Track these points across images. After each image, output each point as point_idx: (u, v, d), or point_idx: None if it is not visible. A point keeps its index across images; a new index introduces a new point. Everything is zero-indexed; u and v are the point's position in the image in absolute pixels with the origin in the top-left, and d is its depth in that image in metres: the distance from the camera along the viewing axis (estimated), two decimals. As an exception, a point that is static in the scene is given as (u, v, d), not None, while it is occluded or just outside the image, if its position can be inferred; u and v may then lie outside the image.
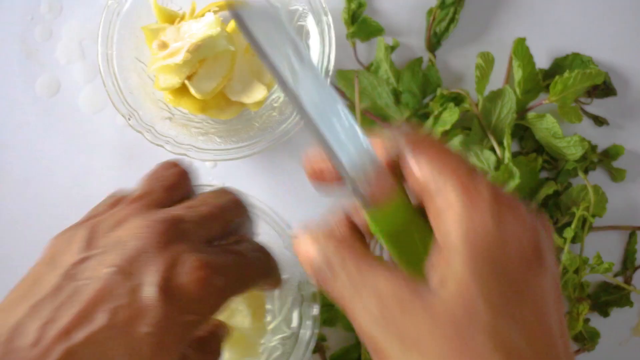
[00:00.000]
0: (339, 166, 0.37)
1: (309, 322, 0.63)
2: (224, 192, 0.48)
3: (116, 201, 0.46)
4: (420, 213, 0.38)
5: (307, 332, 0.63)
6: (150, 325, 0.39)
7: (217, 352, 0.49)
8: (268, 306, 0.66)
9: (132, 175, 0.60)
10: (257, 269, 0.46)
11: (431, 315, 0.34)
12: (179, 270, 0.41)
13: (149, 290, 0.39)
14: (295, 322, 0.64)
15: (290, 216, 0.64)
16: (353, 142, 0.38)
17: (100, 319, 0.38)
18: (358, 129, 0.38)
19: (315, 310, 0.63)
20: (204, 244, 0.44)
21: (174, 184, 0.46)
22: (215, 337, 0.49)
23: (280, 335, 0.65)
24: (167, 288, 0.40)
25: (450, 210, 0.36)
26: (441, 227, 0.36)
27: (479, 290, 0.34)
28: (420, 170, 0.37)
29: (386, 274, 0.36)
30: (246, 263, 0.45)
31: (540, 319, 0.35)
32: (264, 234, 0.62)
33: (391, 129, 0.39)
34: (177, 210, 0.44)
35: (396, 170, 0.38)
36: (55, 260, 0.41)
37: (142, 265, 0.40)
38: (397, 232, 0.38)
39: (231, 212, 0.47)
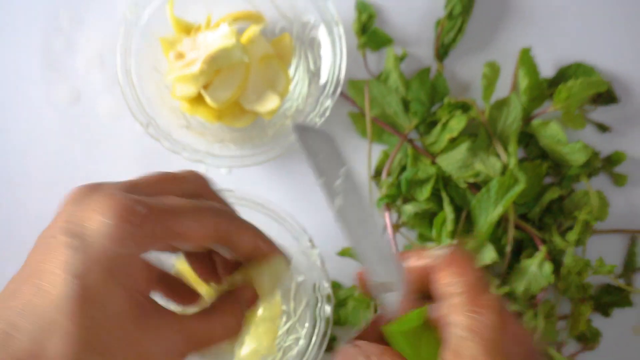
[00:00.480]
0: (369, 281, 0.44)
1: (322, 323, 0.64)
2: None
3: None
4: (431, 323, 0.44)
5: (321, 332, 0.64)
6: (75, 266, 0.39)
7: (238, 313, 0.49)
8: (283, 307, 0.68)
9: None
10: (172, 215, 0.44)
11: None
12: (88, 208, 0.41)
13: (62, 236, 0.40)
14: (309, 323, 0.65)
15: (303, 219, 0.66)
16: (384, 262, 0.45)
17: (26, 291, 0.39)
18: (391, 250, 0.45)
19: (328, 311, 0.64)
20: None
21: (161, 181, 0.47)
22: (236, 297, 0.49)
23: (294, 335, 0.67)
24: (75, 231, 0.40)
25: (460, 313, 0.42)
26: (452, 321, 0.42)
27: None
28: (445, 280, 0.43)
29: None
30: (163, 201, 0.44)
31: None
32: (281, 239, 0.62)
33: (431, 249, 0.46)
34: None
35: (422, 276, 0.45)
36: None
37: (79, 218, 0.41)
38: (410, 334, 0.44)
39: (187, 181, 0.47)
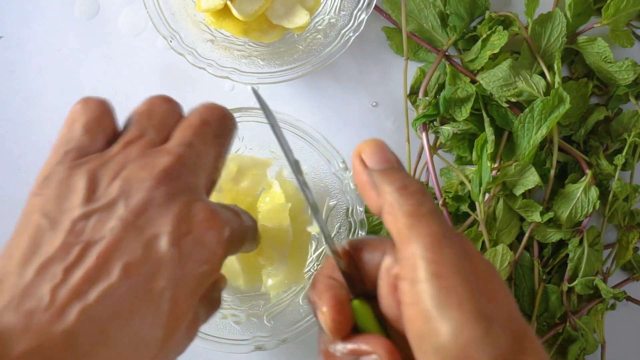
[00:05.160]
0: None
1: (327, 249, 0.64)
2: (216, 115, 0.49)
3: (94, 128, 0.45)
4: None
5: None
6: (166, 279, 0.40)
7: (219, 302, 0.51)
8: (313, 233, 0.67)
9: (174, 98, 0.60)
10: (248, 231, 0.49)
11: None
12: (191, 222, 0.42)
13: (163, 243, 0.40)
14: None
15: (336, 139, 0.65)
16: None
17: (113, 275, 0.38)
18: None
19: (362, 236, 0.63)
20: (205, 188, 0.45)
21: (165, 121, 0.47)
22: (217, 287, 0.51)
23: None
24: (181, 240, 0.41)
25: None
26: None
27: None
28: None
29: None
30: (237, 214, 0.48)
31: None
32: (313, 161, 0.67)
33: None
34: (174, 152, 0.44)
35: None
36: (52, 213, 0.41)
37: (152, 219, 0.41)
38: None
39: (226, 137, 0.48)
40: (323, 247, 0.68)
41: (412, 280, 0.40)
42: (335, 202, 0.68)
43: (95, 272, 0.38)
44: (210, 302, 0.49)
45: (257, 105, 0.53)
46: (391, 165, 0.46)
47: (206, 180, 0.45)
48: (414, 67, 0.73)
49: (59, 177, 0.41)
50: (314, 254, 0.67)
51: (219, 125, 0.47)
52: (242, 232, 0.47)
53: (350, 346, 0.44)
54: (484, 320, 0.38)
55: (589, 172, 0.68)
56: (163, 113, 0.46)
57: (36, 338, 0.36)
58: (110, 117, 0.45)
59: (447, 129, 0.70)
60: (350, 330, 0.45)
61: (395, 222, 0.42)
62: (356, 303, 0.45)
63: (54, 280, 0.37)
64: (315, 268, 0.66)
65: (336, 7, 0.71)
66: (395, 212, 0.42)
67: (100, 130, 0.44)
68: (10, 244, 0.40)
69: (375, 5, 0.69)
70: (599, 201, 0.68)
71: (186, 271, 0.41)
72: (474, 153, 0.68)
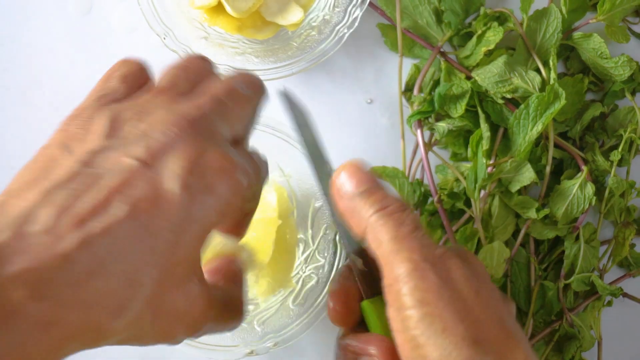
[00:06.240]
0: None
1: (343, 250, 0.64)
2: (248, 80, 0.49)
3: (131, 80, 0.45)
4: None
5: (342, 260, 0.64)
6: (170, 221, 0.39)
7: (242, 313, 0.50)
8: (300, 235, 0.67)
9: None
10: (264, 179, 0.48)
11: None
12: (204, 169, 0.41)
13: (174, 186, 0.40)
14: (329, 251, 0.65)
15: (329, 139, 0.62)
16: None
17: (119, 211, 0.38)
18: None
19: None
20: (228, 140, 0.45)
21: (198, 76, 0.47)
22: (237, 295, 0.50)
23: (314, 265, 0.66)
24: (192, 185, 0.40)
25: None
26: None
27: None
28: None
29: None
30: (258, 170, 0.47)
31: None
32: (296, 163, 0.66)
33: None
34: (202, 105, 0.44)
35: None
36: (71, 145, 0.40)
37: (167, 162, 0.41)
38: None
39: (256, 101, 0.49)
40: (311, 250, 0.67)
41: (398, 307, 0.41)
42: (320, 203, 0.68)
43: (103, 204, 0.37)
44: (231, 306, 0.49)
45: None
46: (367, 187, 0.46)
47: (230, 135, 0.45)
48: (408, 64, 0.72)
49: (84, 116, 0.42)
50: (302, 256, 0.67)
51: (250, 88, 0.48)
52: (259, 183, 0.46)
53: (352, 342, 0.45)
54: (469, 344, 0.39)
55: (584, 168, 0.67)
56: (197, 68, 0.47)
57: (32, 259, 0.35)
58: (148, 73, 0.46)
59: (442, 126, 0.70)
60: (355, 325, 0.46)
61: (378, 247, 0.43)
62: (365, 304, 0.45)
63: (57, 206, 0.37)
64: (304, 270, 0.66)
65: (330, 4, 0.70)
66: (376, 237, 0.43)
67: (136, 83, 0.45)
68: (20, 173, 0.40)
69: (370, 1, 0.68)
70: (595, 197, 0.67)
71: (192, 216, 0.40)
72: (469, 150, 0.68)
